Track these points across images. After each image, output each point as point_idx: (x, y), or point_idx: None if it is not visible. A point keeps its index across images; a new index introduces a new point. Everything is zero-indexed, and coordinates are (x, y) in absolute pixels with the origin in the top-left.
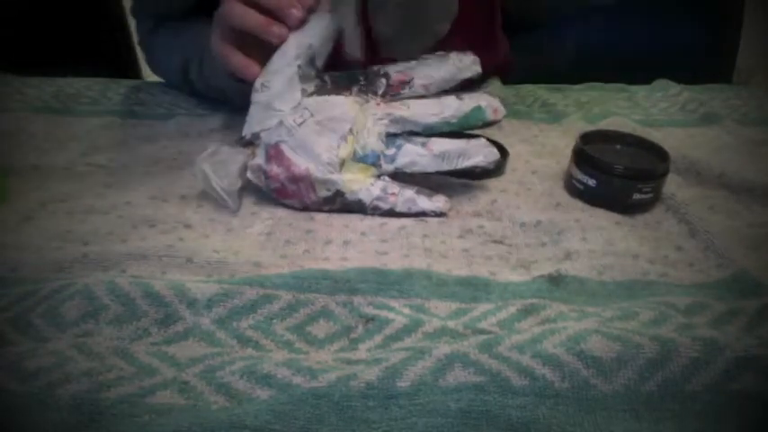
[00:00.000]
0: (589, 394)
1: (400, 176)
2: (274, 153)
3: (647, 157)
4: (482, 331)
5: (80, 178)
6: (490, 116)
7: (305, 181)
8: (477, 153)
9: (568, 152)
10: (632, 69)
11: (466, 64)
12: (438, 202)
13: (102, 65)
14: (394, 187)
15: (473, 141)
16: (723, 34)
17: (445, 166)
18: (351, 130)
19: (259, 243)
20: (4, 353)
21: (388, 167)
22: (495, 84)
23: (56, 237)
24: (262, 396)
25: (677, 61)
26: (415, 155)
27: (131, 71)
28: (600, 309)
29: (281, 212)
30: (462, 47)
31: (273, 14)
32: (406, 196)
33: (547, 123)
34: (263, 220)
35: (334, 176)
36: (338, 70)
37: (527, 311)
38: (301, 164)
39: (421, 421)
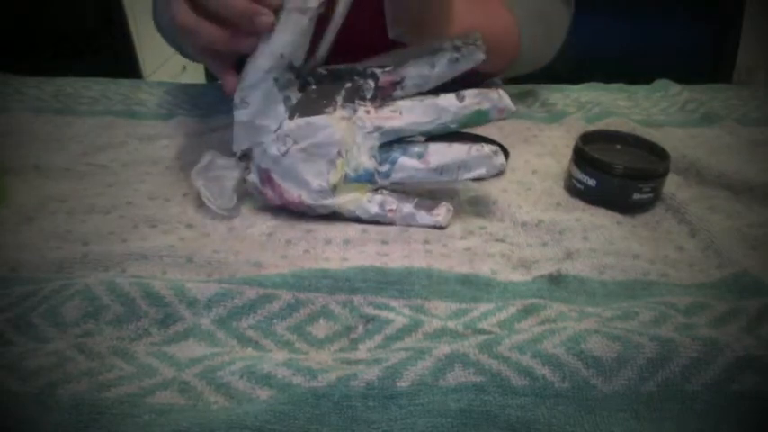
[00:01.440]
0: (589, 394)
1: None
2: (266, 178)
3: (647, 157)
4: (482, 331)
5: (80, 178)
6: (494, 117)
7: (300, 206)
8: (480, 165)
9: (568, 152)
10: (632, 69)
11: (465, 53)
12: (438, 216)
13: (103, 65)
14: (392, 203)
15: (474, 150)
16: (723, 34)
17: (444, 179)
18: (339, 153)
19: (260, 243)
20: (4, 353)
21: (384, 182)
22: (497, 83)
23: (56, 237)
24: (262, 396)
25: (677, 61)
26: (411, 170)
27: (131, 71)
28: (600, 309)
29: (284, 213)
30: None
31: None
32: (405, 212)
33: (547, 123)
34: (264, 221)
35: (328, 202)
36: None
37: (527, 311)
38: (293, 191)
39: (421, 421)
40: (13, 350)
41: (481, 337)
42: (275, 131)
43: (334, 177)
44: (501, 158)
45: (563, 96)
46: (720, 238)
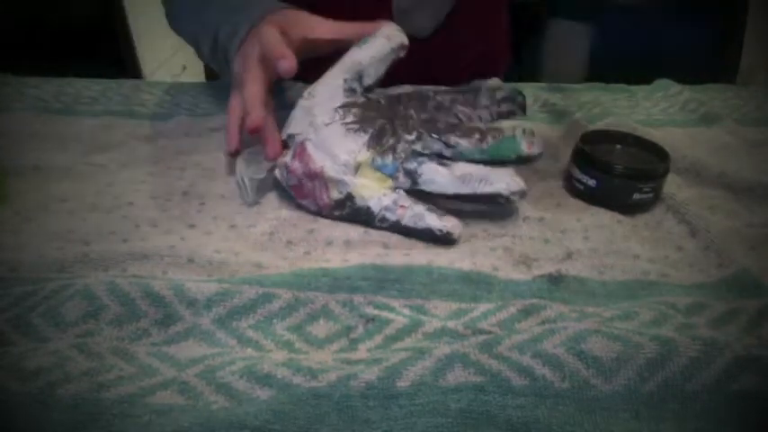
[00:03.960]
0: (589, 394)
1: (416, 195)
2: (299, 150)
3: (647, 157)
4: (482, 331)
5: (81, 178)
6: (525, 149)
7: (319, 179)
8: (500, 180)
9: (568, 152)
10: (634, 70)
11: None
12: (448, 222)
13: (103, 65)
14: (405, 201)
15: (499, 168)
16: (726, 35)
17: (464, 189)
18: (374, 137)
19: (261, 244)
20: (4, 353)
21: (405, 182)
22: (495, 82)
23: (57, 237)
24: (262, 396)
25: (679, 61)
26: (434, 173)
27: (131, 71)
28: (600, 309)
29: (286, 212)
30: (470, 24)
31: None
32: (416, 211)
33: (547, 123)
34: (267, 220)
35: (347, 178)
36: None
37: (527, 312)
38: (319, 161)
39: (421, 421)
40: (13, 350)
41: (481, 337)
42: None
43: (362, 156)
44: (522, 181)
45: (563, 96)
46: (720, 238)
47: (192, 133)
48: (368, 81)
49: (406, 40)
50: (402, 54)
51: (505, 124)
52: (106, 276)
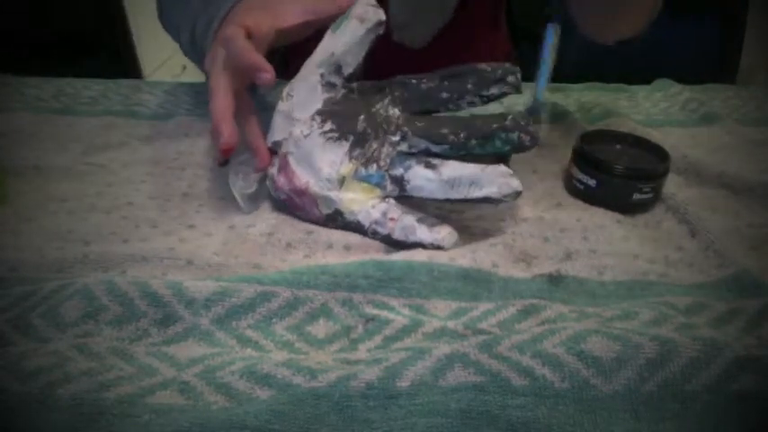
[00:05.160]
0: (589, 394)
1: (406, 200)
2: (283, 164)
3: (647, 157)
4: (482, 331)
5: (80, 178)
6: (517, 138)
7: (307, 195)
8: (491, 183)
9: (568, 152)
10: (634, 70)
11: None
12: (438, 233)
13: (103, 65)
14: (395, 212)
15: (490, 168)
16: (726, 35)
17: (454, 195)
18: (356, 144)
19: (260, 246)
20: (4, 353)
21: (393, 189)
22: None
23: (57, 237)
24: (262, 396)
25: (679, 61)
26: (422, 179)
27: (131, 71)
28: (600, 309)
29: (285, 211)
30: (470, 26)
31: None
32: (405, 223)
33: (547, 123)
34: (264, 219)
35: (332, 194)
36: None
37: (527, 312)
38: (303, 177)
39: (421, 421)
40: (13, 350)
41: (481, 337)
42: (306, 117)
43: (345, 169)
44: (516, 181)
45: (563, 96)
46: (720, 238)
47: (192, 133)
48: (348, 70)
49: (382, 16)
50: (380, 32)
51: (494, 109)
52: (105, 276)
